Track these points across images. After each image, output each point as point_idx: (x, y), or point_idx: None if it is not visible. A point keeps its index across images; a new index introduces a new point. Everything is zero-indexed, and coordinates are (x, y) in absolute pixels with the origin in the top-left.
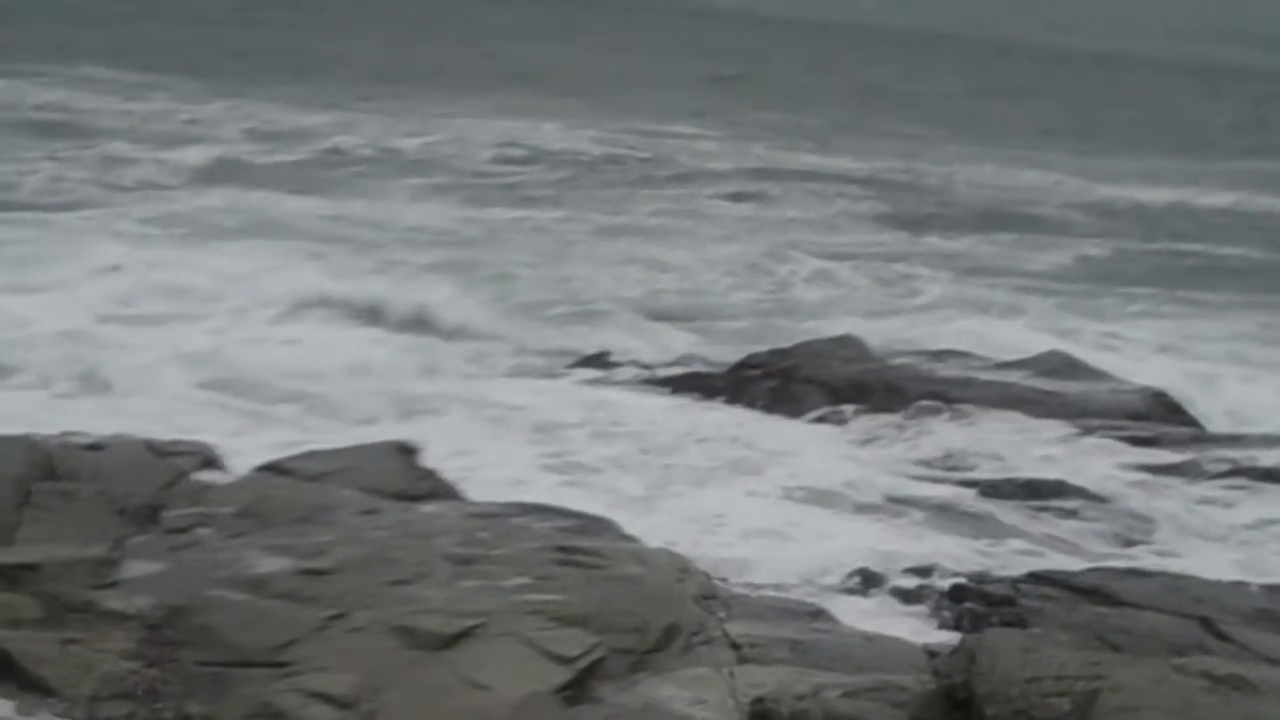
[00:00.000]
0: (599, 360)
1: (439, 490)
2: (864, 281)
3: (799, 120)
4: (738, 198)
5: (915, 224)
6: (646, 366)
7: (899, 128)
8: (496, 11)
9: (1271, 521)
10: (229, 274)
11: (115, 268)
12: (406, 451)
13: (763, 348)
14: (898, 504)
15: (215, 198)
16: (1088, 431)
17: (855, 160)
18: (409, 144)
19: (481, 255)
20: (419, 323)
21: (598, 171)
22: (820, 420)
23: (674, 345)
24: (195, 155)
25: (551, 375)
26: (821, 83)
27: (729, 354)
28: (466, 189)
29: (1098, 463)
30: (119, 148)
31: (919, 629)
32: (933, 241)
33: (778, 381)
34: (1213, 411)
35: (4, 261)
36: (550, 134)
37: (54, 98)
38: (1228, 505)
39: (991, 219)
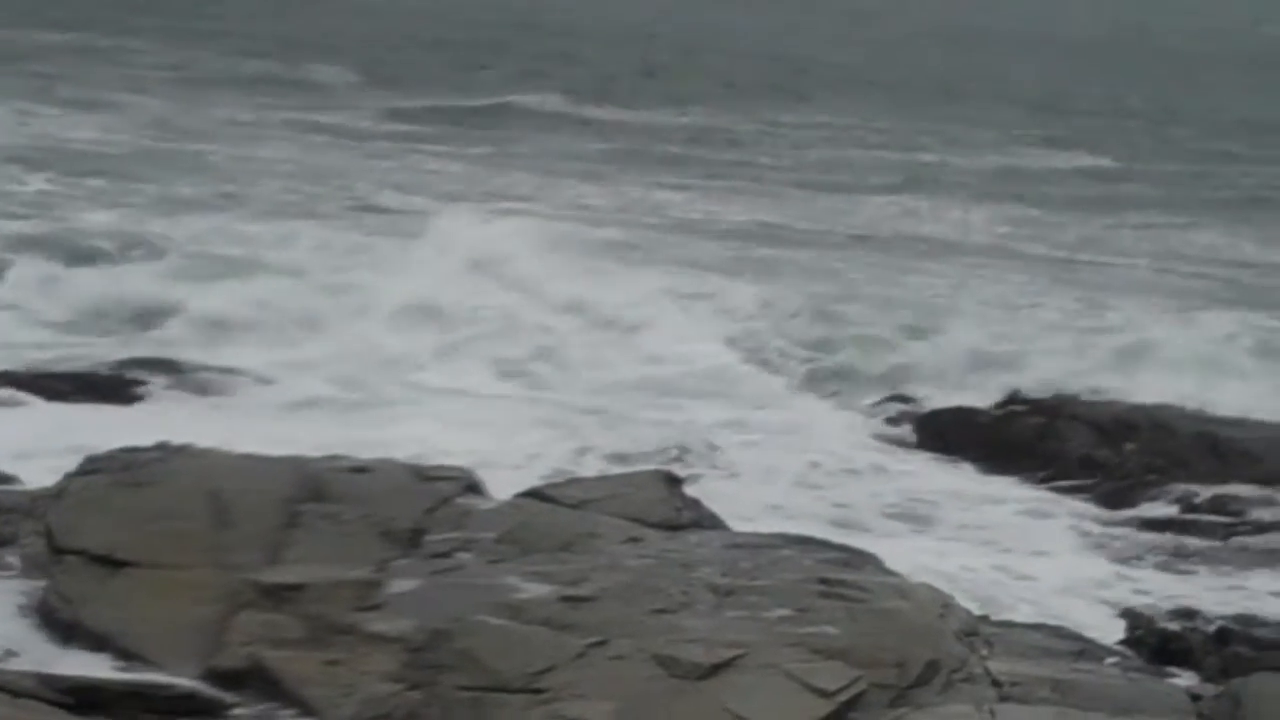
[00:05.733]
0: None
1: (703, 520)
2: None
3: None
4: None
5: None
6: (910, 400)
7: None
8: None
9: None
10: None
11: None
12: (671, 481)
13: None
14: (1164, 546)
15: None
16: None
17: None
18: None
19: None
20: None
21: None
22: (1086, 459)
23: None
24: None
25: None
26: None
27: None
28: None
29: None
30: None
31: (1183, 672)
32: None
33: (1044, 418)
34: None
35: None
36: None
37: None
38: None
39: None
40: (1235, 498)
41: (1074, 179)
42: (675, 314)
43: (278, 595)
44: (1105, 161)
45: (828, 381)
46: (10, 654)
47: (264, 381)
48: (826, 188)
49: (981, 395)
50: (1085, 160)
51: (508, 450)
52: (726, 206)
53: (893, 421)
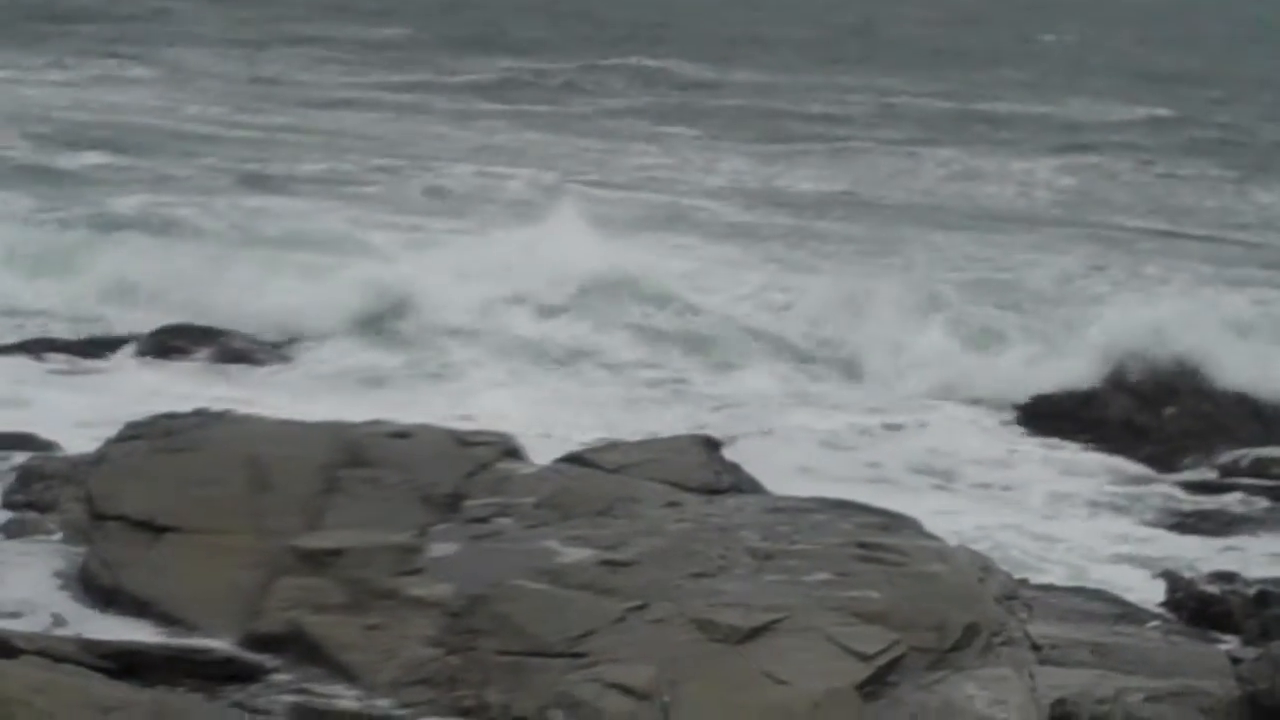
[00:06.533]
0: None
1: (742, 484)
2: None
3: None
4: None
5: None
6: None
7: None
8: None
9: None
10: None
11: None
12: (710, 445)
13: None
14: (1205, 510)
15: None
16: None
17: None
18: None
19: None
20: None
21: None
22: (1127, 423)
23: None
24: None
25: None
26: None
27: None
28: None
29: None
30: None
31: (1224, 634)
32: None
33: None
34: None
35: None
36: None
37: None
38: None
39: None
40: (1277, 461)
41: (1133, 129)
42: (731, 285)
43: (317, 560)
44: (1163, 112)
45: (881, 354)
46: (53, 619)
47: (312, 353)
48: (886, 143)
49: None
50: (1142, 112)
51: (555, 417)
52: (790, 172)
53: (934, 388)
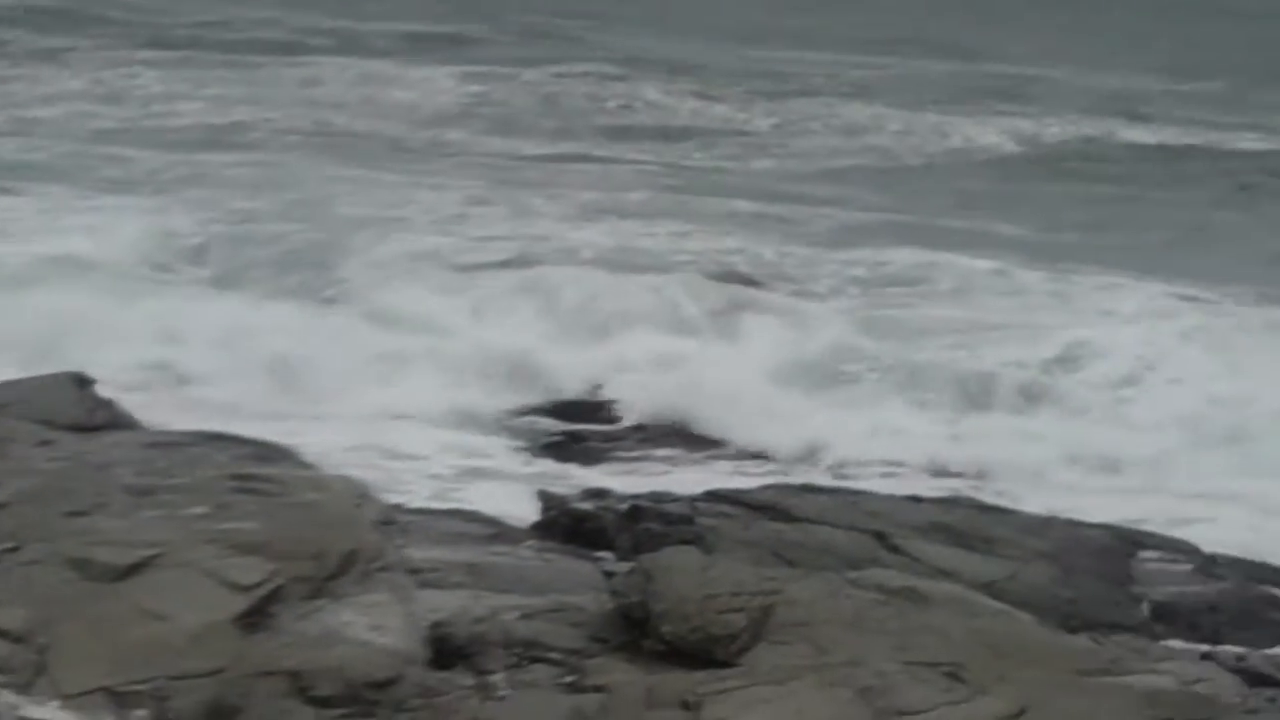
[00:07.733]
0: None
1: (118, 420)
2: None
3: None
4: None
5: None
6: None
7: None
8: None
9: None
10: None
11: None
12: (83, 382)
13: None
14: (574, 430)
15: None
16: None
17: None
18: None
19: None
20: None
21: None
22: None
23: None
24: None
25: None
26: None
27: None
28: None
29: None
30: None
31: (597, 550)
32: None
33: None
34: None
35: None
36: None
37: None
38: None
39: None
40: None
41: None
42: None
43: None
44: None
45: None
46: None
47: None
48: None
49: None
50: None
51: None
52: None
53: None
